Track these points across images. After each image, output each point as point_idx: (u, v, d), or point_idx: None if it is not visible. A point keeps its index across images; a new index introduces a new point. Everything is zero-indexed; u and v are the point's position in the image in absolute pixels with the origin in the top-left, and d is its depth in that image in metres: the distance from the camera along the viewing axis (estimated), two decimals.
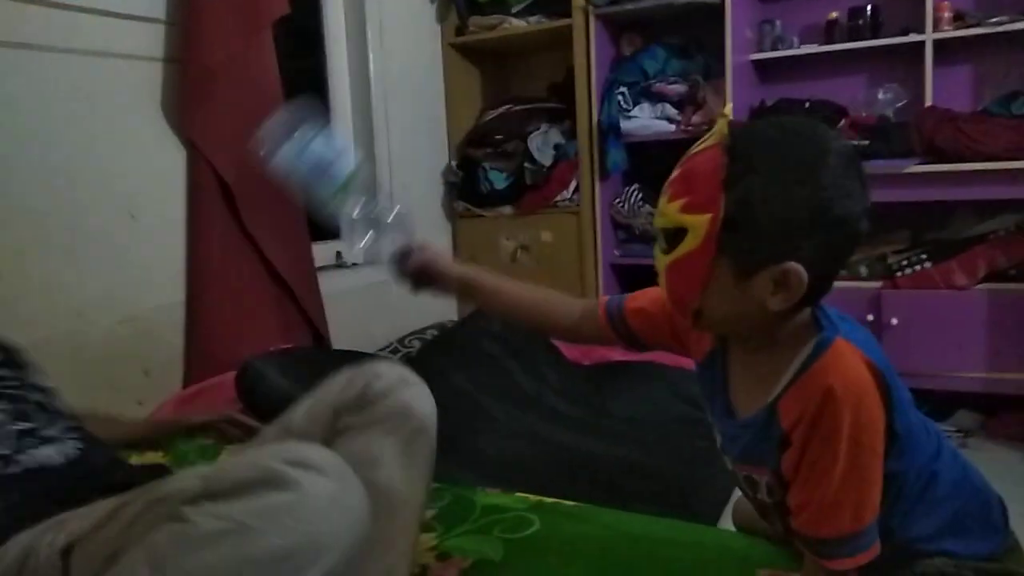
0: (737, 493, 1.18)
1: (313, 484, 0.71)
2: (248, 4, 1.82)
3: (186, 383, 1.80)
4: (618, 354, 2.35)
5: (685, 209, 0.74)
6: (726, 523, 1.40)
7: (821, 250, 0.73)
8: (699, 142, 0.78)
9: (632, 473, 1.69)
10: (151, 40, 1.75)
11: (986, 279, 2.14)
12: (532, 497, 1.26)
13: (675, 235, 0.76)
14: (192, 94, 1.76)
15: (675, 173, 0.78)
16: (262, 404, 1.51)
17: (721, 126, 0.75)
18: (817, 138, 0.74)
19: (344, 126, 2.51)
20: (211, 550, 0.70)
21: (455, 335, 2.40)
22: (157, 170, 1.76)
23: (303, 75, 2.29)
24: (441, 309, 2.76)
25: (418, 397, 1.00)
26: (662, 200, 0.78)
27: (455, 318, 2.77)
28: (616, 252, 2.68)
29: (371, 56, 2.48)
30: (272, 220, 1.95)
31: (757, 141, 0.75)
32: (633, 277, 2.73)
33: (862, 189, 0.74)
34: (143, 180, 1.73)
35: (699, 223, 0.73)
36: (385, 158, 2.54)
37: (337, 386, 1.01)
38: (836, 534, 0.76)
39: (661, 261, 0.80)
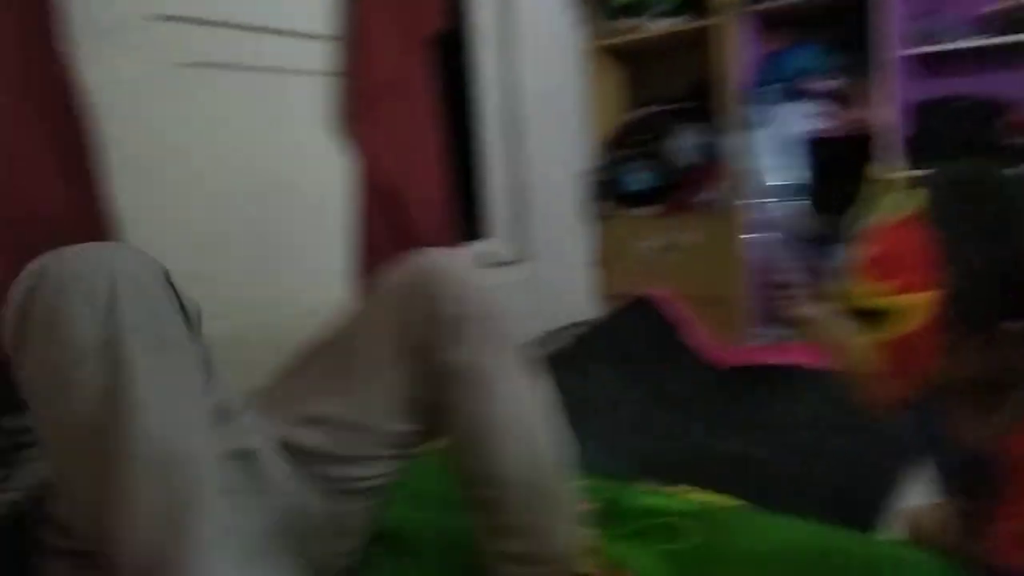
0: (906, 501, 1.16)
1: None
2: (407, 20, 1.93)
3: None
4: (765, 356, 2.32)
5: (904, 289, 0.77)
6: (887, 531, 1.38)
7: None
8: (881, 212, 0.81)
9: (787, 479, 1.66)
10: (320, 56, 1.89)
11: None
12: (692, 497, 1.26)
13: (883, 314, 0.79)
14: (357, 107, 1.88)
15: (870, 252, 0.80)
16: None
17: (916, 199, 0.78)
18: (1010, 188, 0.77)
19: (493, 130, 2.59)
20: None
21: (601, 333, 2.44)
22: (327, 178, 1.90)
23: (449, 79, 2.39)
24: (578, 307, 2.81)
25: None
26: (859, 282, 0.81)
27: (591, 316, 2.81)
28: (764, 254, 2.63)
29: (517, 60, 2.55)
30: (427, 225, 2.06)
31: (956, 209, 0.77)
32: None
33: None
34: (320, 186, 1.87)
35: (921, 301, 0.76)
36: (531, 161, 2.61)
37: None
38: None
39: (868, 338, 0.82)
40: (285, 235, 1.82)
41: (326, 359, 1.05)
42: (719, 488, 1.44)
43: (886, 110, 2.30)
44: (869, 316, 0.81)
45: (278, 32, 1.79)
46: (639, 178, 2.75)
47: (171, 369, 0.77)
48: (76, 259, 0.75)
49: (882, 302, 0.79)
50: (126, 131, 1.45)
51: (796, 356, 2.22)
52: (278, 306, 1.74)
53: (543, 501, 1.01)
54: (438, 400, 1.00)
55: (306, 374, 1.06)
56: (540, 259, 2.65)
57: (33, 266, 0.75)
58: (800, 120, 2.47)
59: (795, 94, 2.49)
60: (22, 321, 0.73)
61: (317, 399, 1.01)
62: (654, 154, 2.73)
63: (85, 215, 1.37)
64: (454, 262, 1.04)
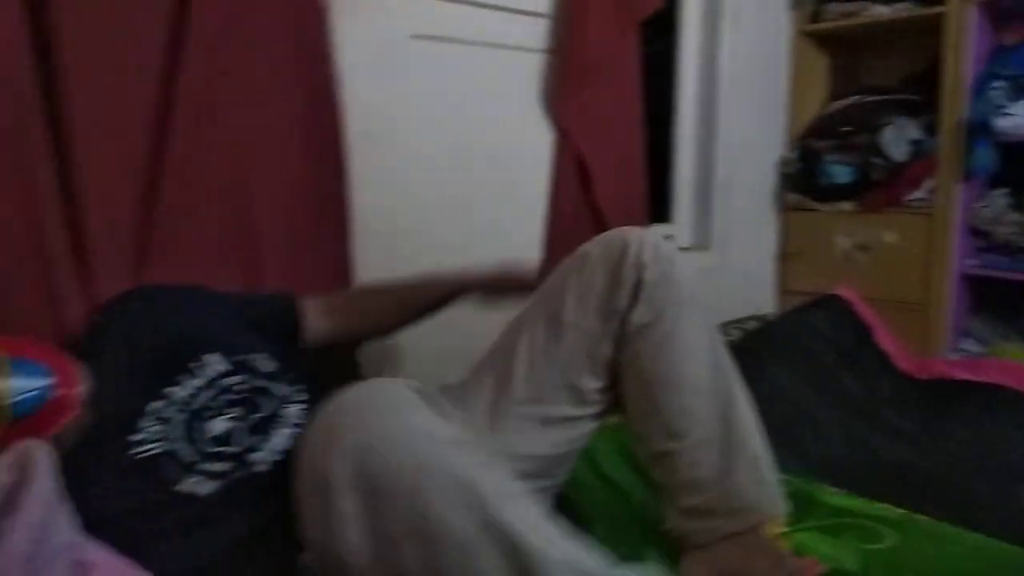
0: None
1: None
2: (627, 1, 1.94)
3: None
4: (960, 372, 2.17)
5: None
6: None
7: None
8: None
9: (976, 502, 1.57)
10: (535, 33, 1.94)
11: None
12: (889, 508, 1.23)
13: None
14: (566, 84, 1.92)
15: None
16: None
17: None
18: None
19: (687, 112, 2.56)
20: None
21: (777, 328, 2.37)
22: (530, 152, 1.96)
23: (656, 58, 2.37)
24: (760, 300, 2.74)
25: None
26: None
27: (773, 311, 2.73)
28: (970, 261, 2.45)
29: (722, 41, 2.50)
30: (618, 202, 2.08)
31: None
32: (986, 289, 2.48)
33: None
34: (519, 160, 1.94)
35: None
36: (724, 146, 2.56)
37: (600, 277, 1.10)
38: None
39: None
40: (487, 207, 1.90)
41: (534, 328, 1.14)
42: (898, 500, 1.39)
43: None
44: None
45: (502, 8, 1.86)
46: (838, 171, 2.62)
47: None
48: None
49: None
50: (359, 97, 1.56)
51: (997, 375, 2.06)
52: None
53: (727, 454, 1.04)
54: (629, 359, 1.09)
55: (515, 344, 1.15)
56: (724, 248, 2.60)
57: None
58: None
59: None
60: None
61: (528, 371, 1.11)
62: (857, 147, 2.59)
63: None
64: (651, 234, 1.13)
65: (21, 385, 0.87)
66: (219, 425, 0.97)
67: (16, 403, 0.85)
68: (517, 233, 1.95)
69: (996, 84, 2.31)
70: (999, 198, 2.34)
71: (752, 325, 2.49)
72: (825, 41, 2.80)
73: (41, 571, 0.68)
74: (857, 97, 2.66)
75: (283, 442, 0.98)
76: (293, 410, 1.03)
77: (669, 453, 1.06)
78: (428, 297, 1.35)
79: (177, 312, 1.09)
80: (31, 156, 1.11)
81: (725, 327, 2.49)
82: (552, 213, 2.00)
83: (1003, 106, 2.31)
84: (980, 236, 2.44)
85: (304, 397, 1.05)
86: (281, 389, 1.04)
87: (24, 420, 0.86)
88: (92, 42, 1.17)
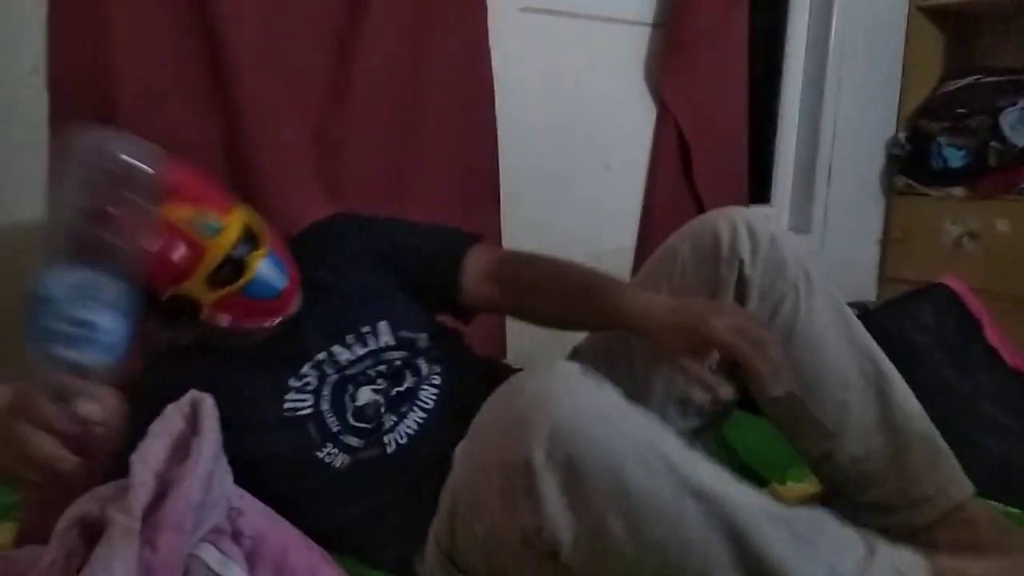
0: None
1: None
2: None
3: None
4: None
5: None
6: None
7: None
8: None
9: None
10: (643, 7, 1.91)
11: None
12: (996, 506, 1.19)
13: None
14: (672, 58, 1.89)
15: None
16: None
17: None
18: None
19: (793, 89, 2.48)
20: None
21: (879, 316, 2.30)
22: (631, 126, 1.94)
23: (762, 33, 2.31)
24: (861, 287, 2.65)
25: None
26: None
27: (874, 299, 2.64)
28: None
29: (833, 16, 2.41)
30: (718, 179, 2.04)
31: None
32: None
33: None
34: (618, 134, 1.93)
35: None
36: (830, 125, 2.47)
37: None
38: None
39: None
40: (585, 183, 1.89)
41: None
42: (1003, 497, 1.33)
43: None
44: None
45: None
46: (951, 154, 2.50)
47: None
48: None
49: None
50: None
51: None
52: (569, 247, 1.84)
53: (893, 439, 0.99)
54: None
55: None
56: (825, 231, 2.53)
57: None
58: None
59: None
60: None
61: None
62: (973, 129, 2.47)
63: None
64: (743, 216, 1.05)
65: (266, 273, 0.96)
66: (365, 394, 1.01)
67: (252, 283, 0.95)
68: (613, 210, 1.95)
69: None
70: None
71: (852, 312, 2.42)
72: (941, 17, 2.65)
73: (207, 517, 0.73)
74: (974, 77, 2.53)
75: (412, 426, 1.01)
76: (428, 392, 1.04)
77: (831, 453, 1.00)
78: (592, 313, 1.08)
79: (365, 258, 1.10)
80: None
81: None
82: (650, 191, 1.98)
83: None
84: None
85: (438, 380, 1.06)
86: (424, 368, 1.06)
87: (249, 300, 0.95)
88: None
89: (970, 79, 2.55)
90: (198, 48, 1.28)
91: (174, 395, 0.81)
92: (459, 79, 1.53)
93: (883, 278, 2.72)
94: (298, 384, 1.00)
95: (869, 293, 2.69)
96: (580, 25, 1.82)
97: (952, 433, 1.81)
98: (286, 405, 0.98)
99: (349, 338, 1.03)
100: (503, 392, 0.78)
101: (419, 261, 1.13)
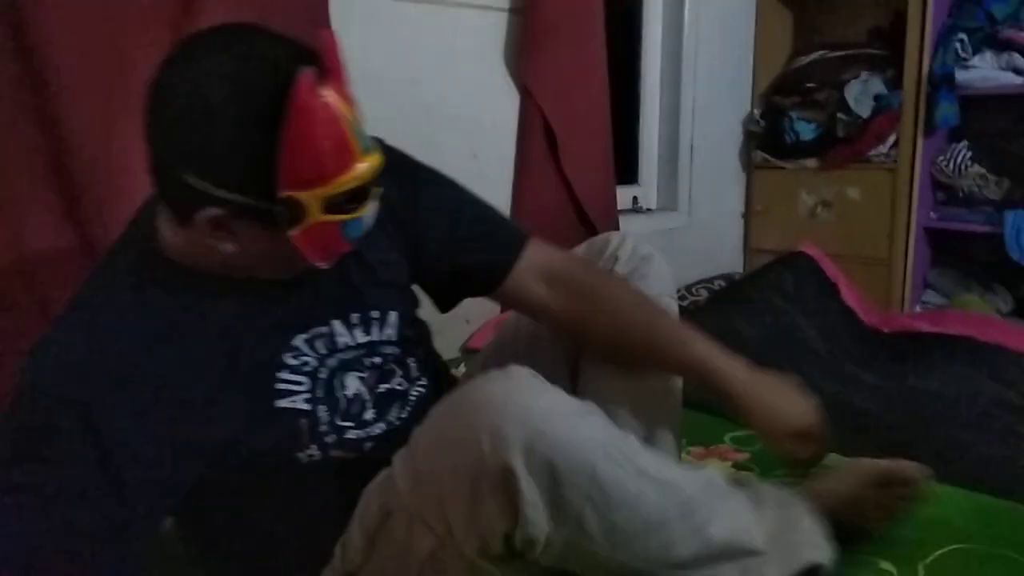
0: None
1: None
2: None
3: None
4: (924, 324, 2.21)
5: None
6: None
7: None
8: None
9: (945, 452, 1.61)
10: None
11: None
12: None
13: None
14: (531, 44, 1.88)
15: None
16: None
17: None
18: None
19: (653, 72, 2.54)
20: None
21: (744, 287, 2.39)
22: (496, 114, 1.93)
23: (618, 18, 2.34)
24: (730, 260, 2.75)
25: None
26: None
27: (741, 270, 2.75)
28: (932, 215, 2.48)
29: (687, 0, 2.47)
30: (585, 164, 2.06)
31: None
32: (947, 242, 2.52)
33: None
34: (484, 122, 1.91)
35: None
36: (689, 105, 2.54)
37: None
38: None
39: None
40: (449, 170, 1.86)
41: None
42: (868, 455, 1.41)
43: None
44: None
45: None
46: (803, 128, 2.62)
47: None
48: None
49: None
50: None
51: (959, 327, 2.10)
52: None
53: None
54: None
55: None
56: (691, 208, 2.60)
57: None
58: (994, 73, 2.29)
59: (991, 43, 2.30)
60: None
61: None
62: (821, 103, 2.59)
63: None
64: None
65: (368, 218, 0.80)
66: (352, 383, 0.89)
67: (358, 221, 0.78)
68: (486, 197, 1.93)
69: (959, 36, 2.31)
70: (960, 151, 2.36)
71: (721, 284, 2.51)
72: None
73: None
74: (821, 53, 2.66)
75: (385, 428, 0.91)
76: (415, 395, 0.96)
77: None
78: (654, 352, 1.03)
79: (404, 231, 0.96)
80: None
81: (693, 287, 2.50)
82: (519, 178, 1.97)
83: (966, 59, 2.32)
84: (942, 189, 2.47)
85: (424, 383, 0.97)
86: (413, 370, 0.96)
87: (338, 237, 0.78)
88: None
89: (816, 55, 2.67)
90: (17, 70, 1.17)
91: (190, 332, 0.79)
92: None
93: (748, 250, 2.83)
94: (295, 363, 0.85)
95: (736, 265, 2.80)
96: (438, 11, 1.78)
97: (817, 393, 1.92)
98: (279, 386, 0.84)
99: (354, 317, 0.90)
100: (459, 402, 0.79)
101: (477, 237, 1.01)
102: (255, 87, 0.71)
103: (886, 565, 1.02)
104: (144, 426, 0.75)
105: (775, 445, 1.02)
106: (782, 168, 2.71)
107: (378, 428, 0.91)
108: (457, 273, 1.01)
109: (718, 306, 2.28)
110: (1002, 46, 2.29)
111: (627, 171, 2.52)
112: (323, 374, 0.87)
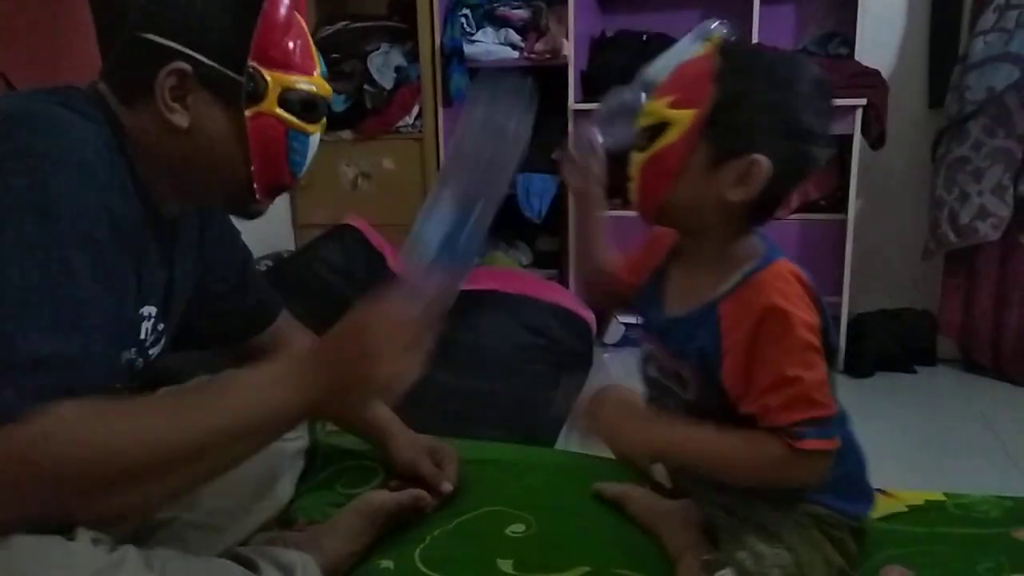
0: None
1: None
2: None
3: None
4: (463, 284, 2.35)
5: (674, 105, 0.82)
6: (563, 444, 1.55)
7: (783, 156, 0.81)
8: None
9: (477, 401, 1.72)
10: None
11: (798, 210, 2.31)
12: None
13: (654, 132, 0.84)
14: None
15: (664, 78, 0.88)
16: None
17: (715, 40, 0.87)
18: (797, 61, 0.86)
19: None
20: None
21: (291, 265, 2.31)
22: None
23: None
24: (278, 239, 2.64)
25: None
26: (647, 102, 0.87)
27: (292, 248, 2.67)
28: None
29: None
30: None
31: (746, 52, 0.90)
32: None
33: (827, 117, 0.84)
34: None
35: (684, 116, 0.81)
36: None
37: None
38: (807, 416, 0.79)
39: (636, 162, 0.86)
40: None
41: None
42: (413, 416, 1.43)
43: (566, 43, 2.38)
44: (648, 134, 0.85)
45: None
46: (333, 99, 2.60)
47: None
48: None
49: (655, 115, 0.83)
50: None
51: (489, 282, 2.28)
52: None
53: None
54: None
55: None
56: None
57: None
58: (496, 47, 2.49)
59: (491, 20, 2.50)
60: None
61: None
62: (348, 74, 2.60)
63: None
64: None
65: (313, 145, 0.92)
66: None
67: (305, 138, 0.90)
68: None
69: (463, 12, 2.47)
70: None
71: (267, 264, 2.39)
72: None
73: None
74: (343, 23, 2.65)
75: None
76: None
77: None
78: None
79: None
80: None
81: None
82: None
83: (471, 33, 2.49)
84: None
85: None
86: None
87: (279, 155, 0.86)
88: None
89: (339, 25, 2.66)
90: None
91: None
92: None
93: (297, 225, 2.76)
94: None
95: (288, 243, 2.70)
96: None
97: None
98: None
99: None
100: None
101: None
102: None
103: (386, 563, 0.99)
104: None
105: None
106: (321, 140, 2.66)
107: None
108: None
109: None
110: (499, 23, 2.50)
111: None
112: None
